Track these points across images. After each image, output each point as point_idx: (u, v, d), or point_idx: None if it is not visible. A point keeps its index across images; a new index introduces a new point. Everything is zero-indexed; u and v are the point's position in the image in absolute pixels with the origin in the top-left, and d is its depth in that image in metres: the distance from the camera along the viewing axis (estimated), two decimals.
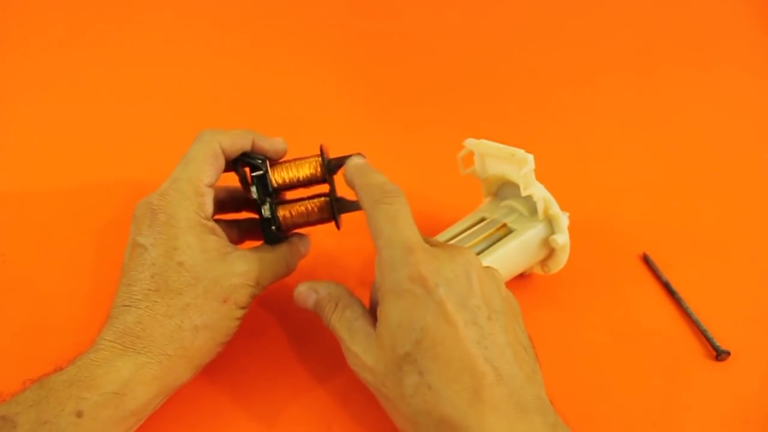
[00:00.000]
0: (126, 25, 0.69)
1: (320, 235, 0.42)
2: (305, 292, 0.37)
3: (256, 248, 0.38)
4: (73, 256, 0.46)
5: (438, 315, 0.30)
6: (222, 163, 0.37)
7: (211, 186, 0.36)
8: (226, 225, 0.40)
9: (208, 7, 0.73)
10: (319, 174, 0.39)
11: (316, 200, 0.39)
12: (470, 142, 0.45)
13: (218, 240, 0.36)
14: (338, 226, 0.40)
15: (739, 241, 0.52)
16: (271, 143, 0.39)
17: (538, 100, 0.67)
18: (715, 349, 0.43)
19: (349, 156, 0.38)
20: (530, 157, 0.41)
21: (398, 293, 0.31)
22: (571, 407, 0.40)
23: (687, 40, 0.75)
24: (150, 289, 0.33)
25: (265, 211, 0.38)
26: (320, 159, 0.39)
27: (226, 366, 0.40)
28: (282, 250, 0.39)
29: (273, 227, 0.38)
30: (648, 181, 0.58)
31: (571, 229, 0.43)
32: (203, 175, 0.36)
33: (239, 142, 0.37)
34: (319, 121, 0.61)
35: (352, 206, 0.39)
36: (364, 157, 0.38)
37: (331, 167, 0.38)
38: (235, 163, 0.38)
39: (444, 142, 0.49)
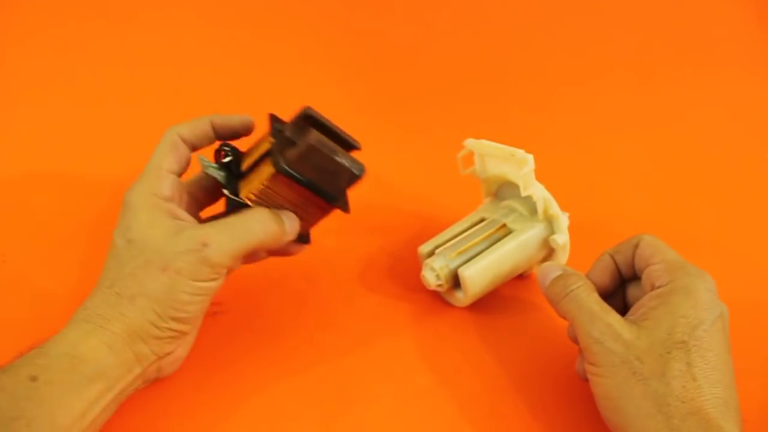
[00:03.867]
0: (125, 24, 0.69)
1: (320, 235, 0.42)
2: (552, 266, 0.39)
3: (219, 217, 0.37)
4: (73, 256, 0.46)
5: (716, 324, 0.34)
6: (184, 151, 0.38)
7: (171, 171, 0.37)
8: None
9: (208, 7, 0.73)
10: (271, 142, 0.37)
11: (265, 159, 0.37)
12: (470, 142, 0.45)
13: (174, 221, 0.36)
14: (283, 177, 0.36)
15: (739, 241, 0.52)
16: (234, 118, 0.39)
17: (538, 100, 0.67)
18: None
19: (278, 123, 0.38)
20: (530, 157, 0.41)
21: (692, 293, 0.34)
22: (572, 407, 0.40)
23: (687, 40, 0.75)
24: (107, 268, 0.35)
25: (219, 176, 0.38)
26: (270, 128, 0.38)
27: (222, 364, 0.40)
28: (249, 214, 0.36)
29: (225, 191, 0.37)
30: (648, 181, 0.58)
31: (571, 229, 0.43)
32: (162, 161, 0.37)
33: (197, 127, 0.38)
34: None
35: (296, 150, 0.34)
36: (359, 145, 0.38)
37: (278, 131, 0.37)
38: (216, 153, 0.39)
39: (444, 142, 0.49)
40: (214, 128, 0.39)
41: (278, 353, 0.42)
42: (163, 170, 0.37)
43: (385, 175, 0.55)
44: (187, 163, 0.39)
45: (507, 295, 0.46)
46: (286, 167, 0.35)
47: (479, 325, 0.44)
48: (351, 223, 0.42)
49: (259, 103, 0.62)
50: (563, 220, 0.43)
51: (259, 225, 0.36)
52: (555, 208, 0.43)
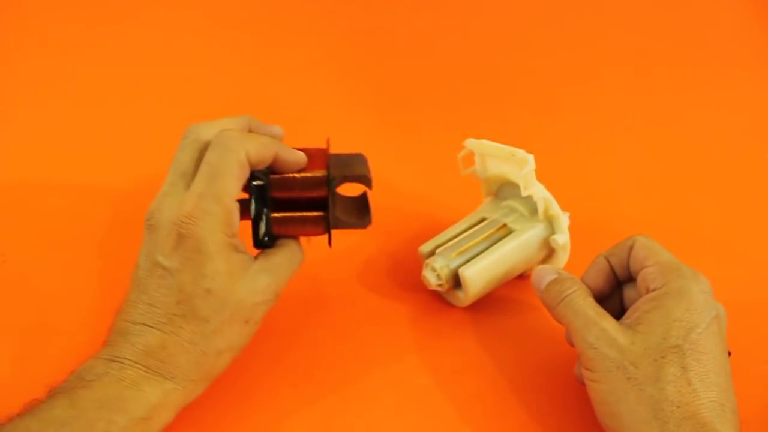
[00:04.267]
0: (127, 25, 0.69)
1: (320, 235, 0.42)
2: (547, 269, 0.38)
3: (267, 255, 0.37)
4: (73, 257, 0.46)
5: (711, 326, 0.34)
6: (247, 174, 0.35)
7: (236, 199, 0.34)
8: None
9: (208, 7, 0.73)
10: (323, 193, 0.37)
11: (312, 213, 0.38)
12: (470, 142, 0.45)
13: (241, 256, 0.35)
14: (330, 243, 0.39)
15: (739, 241, 0.52)
16: (294, 156, 0.36)
17: (538, 100, 0.67)
18: None
19: (354, 156, 0.38)
20: (530, 157, 0.41)
21: (686, 296, 0.34)
22: (572, 408, 0.40)
23: (687, 40, 0.75)
24: (175, 314, 0.32)
25: (262, 227, 0.37)
26: (324, 174, 0.37)
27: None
28: (291, 248, 0.38)
29: (266, 238, 0.37)
30: (648, 181, 0.58)
31: (571, 229, 0.43)
32: (232, 190, 0.33)
33: (265, 154, 0.35)
34: (318, 121, 0.61)
35: (346, 224, 0.38)
36: (366, 159, 0.38)
37: (332, 185, 0.37)
38: None
39: (444, 142, 0.49)
40: (275, 159, 0.36)
41: (278, 353, 0.41)
42: (233, 201, 0.34)
43: (385, 175, 0.54)
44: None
45: (507, 295, 0.46)
46: (330, 240, 0.39)
47: (479, 325, 0.44)
48: None
49: (260, 102, 0.62)
50: (564, 220, 0.43)
51: (298, 261, 0.38)
52: (555, 208, 0.43)
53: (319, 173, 0.37)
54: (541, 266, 0.39)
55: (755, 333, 0.45)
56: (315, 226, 0.38)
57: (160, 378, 0.32)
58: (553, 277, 0.38)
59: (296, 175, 0.36)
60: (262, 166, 0.35)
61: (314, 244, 0.42)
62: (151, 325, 0.32)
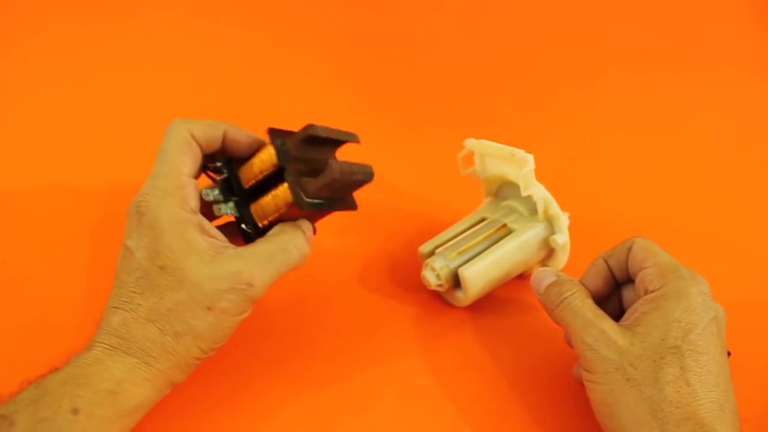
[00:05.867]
0: (125, 24, 0.69)
1: (320, 235, 0.42)
2: (546, 272, 0.39)
3: (253, 243, 0.36)
4: (72, 257, 0.46)
5: (710, 327, 0.34)
6: (198, 152, 0.35)
7: (192, 176, 0.35)
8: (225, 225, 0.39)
9: (208, 7, 0.73)
10: (276, 163, 0.36)
11: (278, 189, 0.36)
12: (470, 142, 0.45)
13: (206, 239, 0.34)
14: (308, 214, 0.37)
15: (739, 241, 0.52)
16: (244, 135, 0.37)
17: (538, 100, 0.67)
18: None
19: (289, 133, 0.36)
20: (530, 157, 0.41)
21: (685, 297, 0.34)
22: (571, 408, 0.40)
23: (687, 40, 0.75)
24: (134, 292, 0.33)
25: (230, 210, 0.36)
26: (272, 146, 0.36)
27: (223, 364, 0.40)
28: (281, 238, 0.36)
29: (243, 225, 0.37)
30: (648, 181, 0.58)
31: (571, 229, 0.43)
32: (181, 165, 0.34)
33: (210, 132, 0.36)
34: (318, 121, 0.60)
35: (317, 183, 0.35)
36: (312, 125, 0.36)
37: (283, 152, 0.36)
38: (204, 167, 0.37)
39: (444, 142, 0.49)
40: (224, 139, 0.36)
41: (278, 353, 0.41)
42: (184, 176, 0.34)
43: (385, 175, 0.54)
44: (199, 169, 0.36)
45: (507, 296, 0.46)
46: (308, 201, 0.35)
47: (479, 325, 0.44)
48: (351, 223, 0.42)
49: (260, 102, 0.62)
50: (563, 220, 0.43)
51: (297, 252, 0.36)
52: (555, 208, 0.43)
53: (268, 146, 0.36)
54: (541, 269, 0.39)
55: (755, 333, 0.45)
56: (286, 198, 0.35)
57: (122, 353, 0.32)
58: (553, 279, 0.38)
59: (253, 158, 0.36)
60: (213, 147, 0.36)
61: (314, 244, 0.42)
62: (116, 306, 0.33)
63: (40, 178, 0.52)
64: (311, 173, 0.36)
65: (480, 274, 0.42)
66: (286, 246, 0.36)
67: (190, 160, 0.35)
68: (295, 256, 0.36)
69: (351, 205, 0.39)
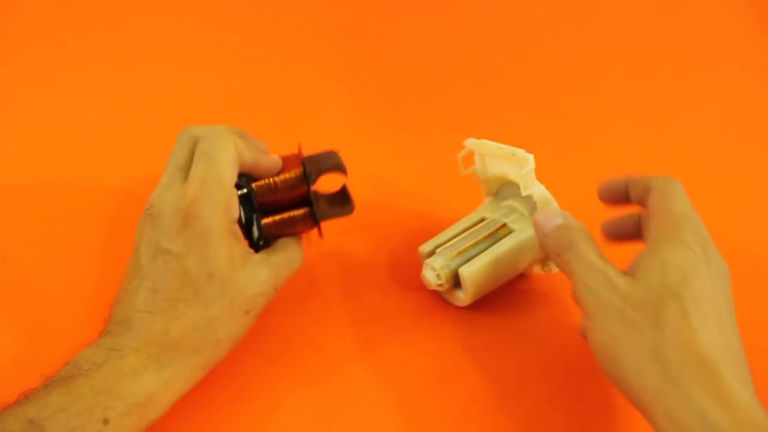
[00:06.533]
0: (125, 25, 0.69)
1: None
2: (553, 213, 0.38)
3: (267, 252, 0.38)
4: (73, 256, 0.46)
5: (711, 274, 0.34)
6: (238, 166, 0.37)
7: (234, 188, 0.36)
8: None
9: (208, 7, 0.73)
10: (304, 190, 0.39)
11: (299, 210, 0.40)
12: (470, 142, 0.45)
13: (240, 246, 0.36)
14: (321, 234, 0.41)
15: (739, 241, 0.52)
16: (271, 160, 0.39)
17: (539, 100, 0.67)
18: None
19: (325, 153, 0.40)
20: (530, 157, 0.41)
21: (684, 244, 0.34)
22: (571, 406, 0.40)
23: (687, 40, 0.75)
24: (179, 299, 0.33)
25: (255, 231, 0.38)
26: (301, 171, 0.39)
27: (223, 364, 0.40)
28: (291, 247, 0.39)
29: (261, 242, 0.39)
30: None
31: None
32: (229, 175, 0.35)
33: (249, 154, 0.37)
34: (318, 122, 0.61)
35: (332, 214, 0.40)
36: (338, 153, 0.40)
37: (311, 180, 0.39)
38: None
39: (444, 142, 0.49)
40: (255, 162, 0.38)
41: (278, 353, 0.41)
42: (231, 187, 0.35)
43: (385, 175, 0.55)
44: None
45: (507, 295, 0.46)
46: (320, 231, 0.40)
47: (479, 324, 0.44)
48: (351, 223, 0.42)
49: (260, 103, 0.62)
50: None
51: (298, 261, 0.39)
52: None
53: (297, 171, 0.39)
54: (548, 208, 0.39)
55: (755, 333, 0.45)
56: (304, 222, 0.40)
57: (158, 365, 0.32)
58: (560, 222, 0.37)
59: (276, 178, 0.39)
60: (245, 168, 0.37)
61: (314, 244, 0.42)
62: (153, 311, 0.33)
63: (41, 178, 0.52)
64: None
65: (480, 273, 0.42)
66: (294, 256, 0.39)
67: (234, 173, 0.36)
68: (297, 265, 0.39)
69: (349, 210, 0.41)
